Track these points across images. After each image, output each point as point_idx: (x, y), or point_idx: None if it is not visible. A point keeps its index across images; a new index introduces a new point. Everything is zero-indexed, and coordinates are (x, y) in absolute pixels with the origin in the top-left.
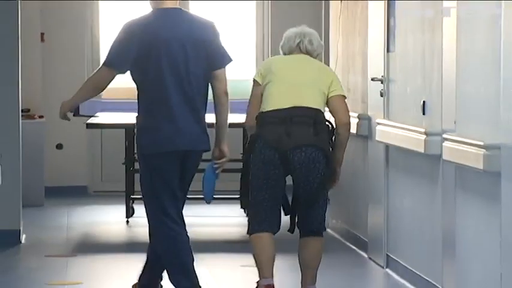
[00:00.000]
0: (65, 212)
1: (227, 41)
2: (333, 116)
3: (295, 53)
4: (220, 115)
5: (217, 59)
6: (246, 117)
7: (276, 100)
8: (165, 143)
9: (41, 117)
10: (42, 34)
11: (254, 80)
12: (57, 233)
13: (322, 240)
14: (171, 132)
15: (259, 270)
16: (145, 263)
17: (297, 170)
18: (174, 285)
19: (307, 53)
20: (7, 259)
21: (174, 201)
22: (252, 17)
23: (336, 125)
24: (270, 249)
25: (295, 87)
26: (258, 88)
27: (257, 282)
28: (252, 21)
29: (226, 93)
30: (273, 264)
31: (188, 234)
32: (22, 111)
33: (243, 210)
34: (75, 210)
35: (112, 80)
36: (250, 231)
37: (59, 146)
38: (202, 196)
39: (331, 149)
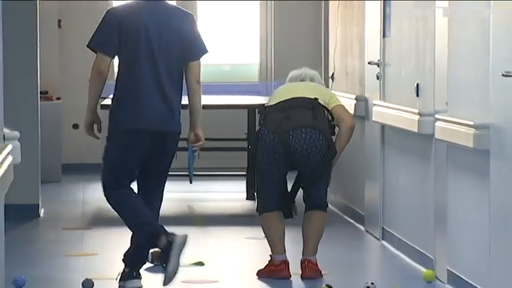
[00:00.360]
0: (80, 188)
1: (232, 38)
2: (340, 123)
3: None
4: (192, 100)
5: (193, 50)
6: None
7: (278, 98)
8: (135, 121)
9: (58, 98)
10: (59, 21)
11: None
12: (73, 207)
13: (325, 214)
14: (141, 112)
15: (271, 247)
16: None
17: (298, 153)
18: (139, 239)
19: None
20: (27, 232)
21: (129, 179)
22: (256, 15)
23: (343, 128)
24: (280, 227)
25: (296, 89)
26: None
27: (270, 255)
28: (256, 19)
29: (199, 82)
30: (284, 240)
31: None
32: (40, 93)
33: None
34: (90, 186)
35: (107, 64)
36: (259, 211)
37: (75, 126)
38: (209, 173)
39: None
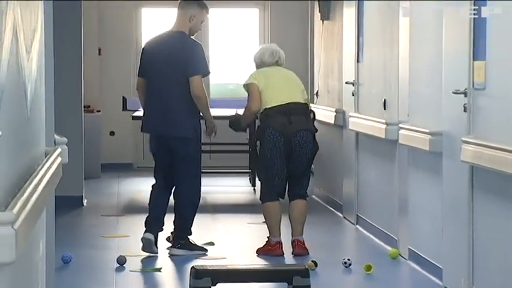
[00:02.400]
0: (116, 182)
1: (236, 63)
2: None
3: (273, 65)
4: (198, 107)
5: (190, 70)
6: (252, 105)
7: (276, 99)
8: (150, 128)
9: (98, 111)
10: (99, 49)
11: (250, 84)
12: (110, 198)
13: (306, 202)
14: (152, 121)
15: (270, 230)
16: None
17: (296, 150)
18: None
19: (280, 65)
20: (72, 218)
21: (160, 173)
22: (256, 43)
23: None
24: (278, 215)
25: (287, 89)
26: (255, 86)
27: (268, 237)
28: (256, 47)
29: (196, 95)
30: (280, 226)
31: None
32: (84, 107)
33: (249, 181)
34: (124, 181)
35: (140, 83)
36: (263, 200)
37: (112, 133)
38: (218, 171)
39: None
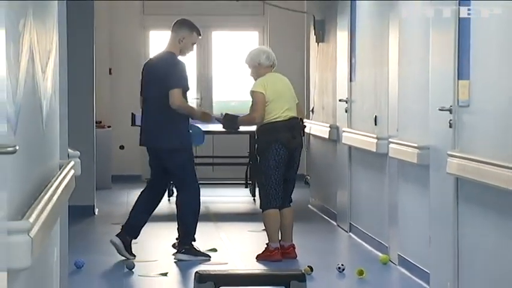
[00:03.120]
0: (125, 193)
1: (238, 81)
2: (300, 114)
3: (270, 69)
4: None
5: (170, 83)
6: (257, 116)
7: (281, 112)
8: (142, 141)
9: (109, 127)
10: (110, 69)
11: (257, 92)
12: (120, 207)
13: (292, 208)
14: (144, 134)
15: (270, 237)
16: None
17: (292, 162)
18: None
19: (274, 67)
20: (85, 226)
21: (149, 182)
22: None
23: (301, 113)
24: (278, 222)
25: (287, 103)
26: (262, 96)
27: (267, 243)
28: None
29: (177, 106)
30: (278, 232)
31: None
32: (96, 122)
33: (249, 191)
34: (133, 191)
35: (142, 102)
36: (265, 208)
37: (121, 147)
38: (220, 182)
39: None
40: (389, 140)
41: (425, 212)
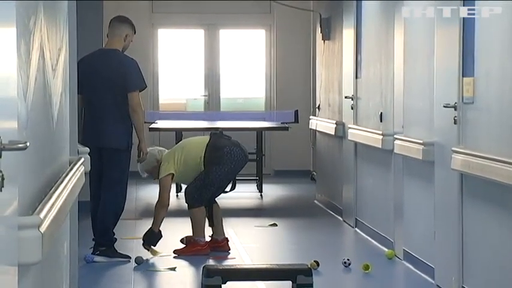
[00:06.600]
0: (134, 189)
1: (244, 79)
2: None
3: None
4: (133, 122)
5: (129, 86)
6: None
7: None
8: (86, 140)
9: None
10: None
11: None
12: (128, 203)
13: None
14: (89, 133)
15: (200, 232)
16: None
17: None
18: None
19: None
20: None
21: (94, 182)
22: (262, 61)
23: None
24: (205, 218)
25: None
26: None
27: (196, 239)
28: (262, 64)
29: (134, 109)
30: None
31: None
32: None
33: (256, 187)
34: (141, 188)
35: (81, 100)
36: (198, 204)
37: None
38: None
39: None
40: (395, 136)
41: (430, 208)
